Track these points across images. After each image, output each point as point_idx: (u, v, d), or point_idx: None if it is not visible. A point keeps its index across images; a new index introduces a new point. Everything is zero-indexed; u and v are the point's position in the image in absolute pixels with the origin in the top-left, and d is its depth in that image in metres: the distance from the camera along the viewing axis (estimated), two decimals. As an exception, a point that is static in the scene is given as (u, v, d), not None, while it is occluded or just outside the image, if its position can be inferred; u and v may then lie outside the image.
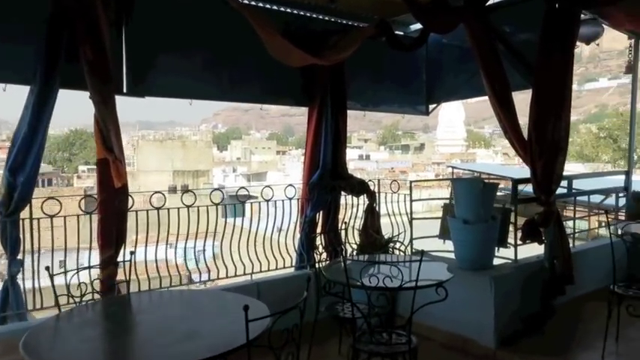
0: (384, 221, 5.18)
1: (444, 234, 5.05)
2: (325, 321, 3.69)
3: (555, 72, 4.15)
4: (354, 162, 54.39)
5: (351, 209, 5.09)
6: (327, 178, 4.75)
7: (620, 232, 5.53)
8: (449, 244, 4.81)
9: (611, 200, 6.82)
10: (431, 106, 6.04)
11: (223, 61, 4.50)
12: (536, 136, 4.25)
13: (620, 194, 5.78)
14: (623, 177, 6.19)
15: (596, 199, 7.52)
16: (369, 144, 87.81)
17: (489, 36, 4.38)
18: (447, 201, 5.21)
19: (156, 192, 3.91)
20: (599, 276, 5.43)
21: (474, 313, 4.17)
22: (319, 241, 4.73)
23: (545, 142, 4.21)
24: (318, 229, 4.87)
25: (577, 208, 5.55)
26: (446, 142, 66.30)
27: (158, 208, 3.87)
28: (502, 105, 4.41)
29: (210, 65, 4.46)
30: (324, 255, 4.66)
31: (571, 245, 4.97)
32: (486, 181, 4.77)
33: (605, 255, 5.53)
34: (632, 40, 5.60)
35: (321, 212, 4.85)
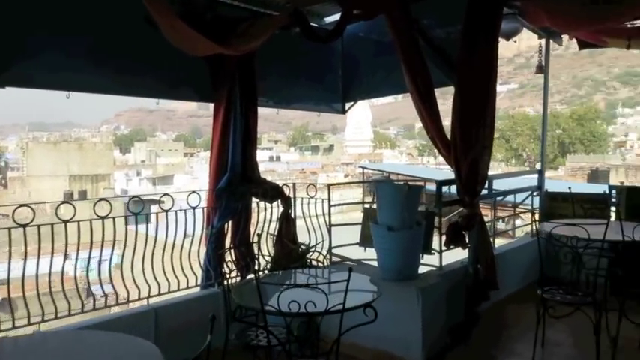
0: (299, 223, 4.74)
1: (365, 241, 4.70)
2: (237, 348, 3.17)
3: (479, 67, 3.94)
4: (265, 163, 53.89)
5: (264, 213, 4.58)
6: (237, 183, 4.20)
7: (535, 230, 5.52)
8: (370, 251, 4.49)
9: (510, 198, 6.89)
10: (347, 104, 5.69)
11: (111, 48, 3.79)
12: (460, 134, 4.02)
13: (535, 193, 5.80)
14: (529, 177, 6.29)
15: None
16: (280, 145, 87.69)
17: (411, 27, 4.09)
18: (368, 205, 4.88)
19: (21, 205, 3.14)
20: (518, 277, 5.41)
21: (400, 328, 3.84)
22: (229, 255, 4.18)
23: (469, 141, 3.99)
24: (228, 241, 4.31)
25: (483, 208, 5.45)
26: (354, 143, 67.57)
27: (24, 226, 3.11)
28: (425, 102, 4.14)
29: (95, 53, 3.73)
30: (236, 271, 4.11)
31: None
32: (410, 183, 4.49)
33: (522, 255, 5.53)
34: (543, 40, 5.63)
35: (230, 222, 4.29)
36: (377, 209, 4.08)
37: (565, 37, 5.68)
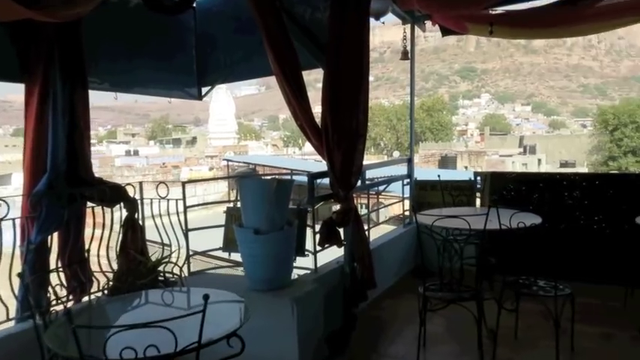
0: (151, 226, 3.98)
1: (228, 245, 4.11)
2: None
3: (350, 47, 3.54)
4: (121, 158, 50.34)
5: (103, 219, 3.75)
6: (62, 185, 3.32)
7: (409, 220, 5.35)
8: (234, 256, 3.93)
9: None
10: (204, 89, 4.99)
11: None
12: (331, 122, 3.59)
13: (405, 182, 5.66)
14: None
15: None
16: (138, 139, 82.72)
17: (274, 1, 3.56)
18: (231, 204, 4.28)
19: None
20: (393, 270, 5.22)
21: (274, 345, 3.31)
22: (59, 277, 3.30)
23: (342, 129, 3.59)
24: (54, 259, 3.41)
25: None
26: (218, 135, 66.10)
27: None
28: (291, 85, 3.65)
29: None
30: (65, 297, 3.24)
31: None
32: (279, 178, 3.98)
33: (397, 247, 5.35)
34: (408, 25, 5.47)
35: (56, 234, 3.39)
36: (241, 209, 3.49)
37: (428, 24, 5.59)
